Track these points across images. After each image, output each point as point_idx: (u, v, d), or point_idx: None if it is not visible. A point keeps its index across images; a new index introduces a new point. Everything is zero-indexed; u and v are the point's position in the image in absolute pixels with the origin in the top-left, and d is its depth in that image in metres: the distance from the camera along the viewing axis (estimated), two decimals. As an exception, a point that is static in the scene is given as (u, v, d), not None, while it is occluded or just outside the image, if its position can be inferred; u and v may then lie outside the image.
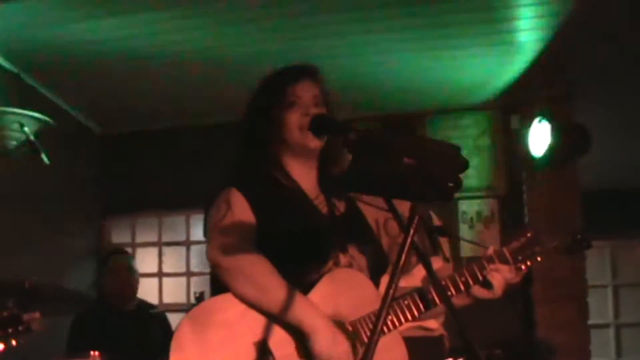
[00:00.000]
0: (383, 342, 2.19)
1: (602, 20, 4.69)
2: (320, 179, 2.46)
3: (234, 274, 2.17)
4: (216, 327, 2.13)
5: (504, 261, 2.43)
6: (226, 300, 2.17)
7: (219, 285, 2.23)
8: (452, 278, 2.38)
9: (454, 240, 3.85)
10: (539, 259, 2.50)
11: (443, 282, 2.36)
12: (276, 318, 2.15)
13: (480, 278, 2.39)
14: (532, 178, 5.81)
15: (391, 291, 1.46)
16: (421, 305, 2.32)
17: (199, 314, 2.16)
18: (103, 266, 5.23)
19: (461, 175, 1.60)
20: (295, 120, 2.35)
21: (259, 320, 2.16)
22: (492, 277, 2.39)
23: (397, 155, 1.54)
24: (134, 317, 5.00)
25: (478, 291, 2.41)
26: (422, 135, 3.72)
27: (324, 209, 2.42)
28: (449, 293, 2.37)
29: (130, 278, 5.14)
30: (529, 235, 2.49)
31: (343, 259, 2.33)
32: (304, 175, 2.43)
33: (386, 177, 1.58)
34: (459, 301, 3.36)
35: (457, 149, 1.62)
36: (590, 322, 5.79)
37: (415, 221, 1.52)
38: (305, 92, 2.40)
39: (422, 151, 1.58)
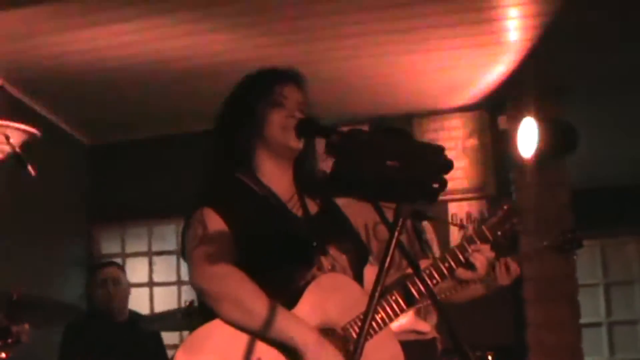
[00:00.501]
0: (376, 340, 2.20)
1: (587, 18, 4.71)
2: (295, 179, 2.45)
3: (219, 299, 2.16)
4: (209, 353, 2.12)
5: (484, 239, 2.43)
6: (216, 326, 2.15)
7: (206, 308, 2.22)
8: (435, 265, 2.38)
9: (434, 223, 3.83)
10: (518, 230, 2.49)
11: (427, 271, 2.36)
12: (265, 338, 2.14)
13: (463, 260, 2.38)
14: (521, 178, 5.81)
15: (376, 294, 1.45)
16: (408, 298, 2.31)
17: (191, 343, 2.15)
18: (92, 278, 5.18)
19: (446, 176, 1.59)
20: (279, 120, 2.34)
21: (250, 342, 2.14)
22: (474, 257, 2.39)
23: (381, 157, 1.54)
24: (125, 328, 4.96)
25: (462, 273, 2.41)
26: (405, 137, 3.70)
27: (298, 211, 2.40)
28: (434, 280, 2.36)
29: (120, 290, 5.10)
30: (505, 208, 2.48)
31: (325, 261, 2.32)
32: (277, 176, 2.41)
33: (370, 179, 1.57)
34: (454, 295, 3.38)
35: (441, 149, 1.62)
36: (582, 321, 5.79)
37: (400, 222, 1.52)
38: (292, 94, 2.39)
39: (406, 152, 1.57)
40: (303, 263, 2.28)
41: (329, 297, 2.25)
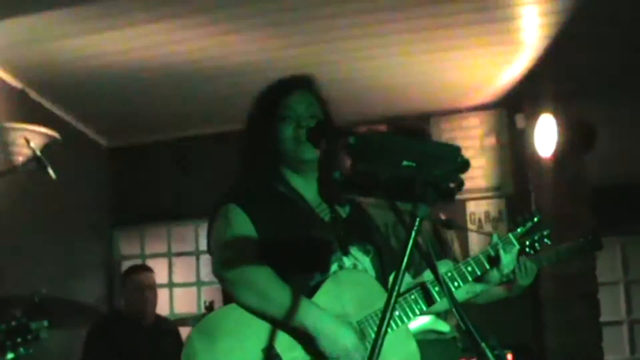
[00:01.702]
0: (393, 337, 2.20)
1: (604, 15, 4.69)
2: (321, 187, 2.48)
3: (236, 284, 2.20)
4: (224, 336, 2.16)
5: (510, 245, 2.45)
6: (231, 310, 2.20)
7: (228, 297, 2.27)
8: (458, 268, 2.40)
9: (460, 232, 3.84)
10: (547, 241, 2.51)
11: (449, 274, 2.40)
12: (281, 323, 2.17)
13: (488, 267, 2.41)
14: (539, 176, 5.79)
15: (395, 290, 1.46)
16: (427, 299, 2.35)
17: (206, 325, 2.20)
18: (127, 280, 5.19)
19: (463, 176, 1.60)
20: (289, 133, 2.38)
21: (265, 327, 2.17)
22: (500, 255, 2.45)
23: (397, 158, 1.55)
24: (150, 332, 4.99)
25: (486, 275, 2.47)
26: (423, 136, 3.71)
27: (326, 216, 2.44)
28: (456, 284, 2.39)
29: (155, 295, 5.15)
30: (535, 220, 2.49)
31: (347, 262, 2.36)
32: (304, 186, 2.45)
33: (387, 179, 1.58)
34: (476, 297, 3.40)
35: (457, 149, 1.63)
36: (602, 319, 5.76)
37: (417, 223, 1.53)
38: (299, 103, 2.42)
39: (422, 153, 1.58)
40: (322, 262, 2.31)
41: (346, 291, 2.28)
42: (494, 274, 2.49)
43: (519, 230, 2.49)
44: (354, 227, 2.47)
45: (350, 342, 2.17)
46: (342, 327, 2.17)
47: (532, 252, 2.59)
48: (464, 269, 2.44)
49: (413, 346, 2.36)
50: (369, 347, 2.19)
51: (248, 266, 2.22)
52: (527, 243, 2.49)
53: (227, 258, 2.26)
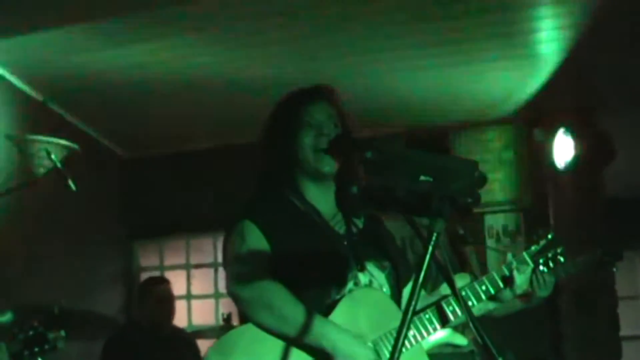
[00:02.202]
0: (407, 356, 2.20)
1: (622, 29, 4.67)
2: (338, 198, 2.46)
3: (252, 305, 2.20)
4: (239, 355, 2.15)
5: (524, 264, 2.45)
6: (247, 329, 2.20)
7: (243, 315, 2.27)
8: (472, 287, 2.39)
9: (477, 247, 3.84)
10: (561, 259, 2.51)
11: (464, 293, 2.39)
12: (297, 343, 2.17)
13: (502, 286, 2.40)
14: (558, 190, 5.77)
15: (411, 308, 1.46)
16: (442, 318, 2.35)
17: (222, 344, 2.19)
18: (146, 292, 5.22)
19: (480, 191, 1.61)
20: (309, 141, 2.37)
21: (280, 346, 2.17)
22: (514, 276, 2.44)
23: (414, 172, 1.56)
24: (167, 343, 5.01)
25: (500, 294, 2.46)
26: (443, 149, 3.73)
27: (341, 229, 2.42)
28: (470, 303, 2.39)
29: (174, 307, 5.18)
30: (549, 237, 2.50)
31: (362, 278, 2.34)
32: (320, 196, 2.43)
33: (404, 194, 1.59)
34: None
35: (475, 164, 1.63)
36: (622, 334, 5.72)
37: (434, 237, 1.53)
38: (320, 113, 2.41)
39: (439, 167, 1.59)
40: (338, 278, 2.30)
41: (362, 310, 2.27)
42: (507, 293, 2.49)
43: (533, 248, 2.49)
44: (369, 241, 2.46)
45: (367, 353, 2.17)
46: (360, 347, 2.17)
47: (546, 269, 2.59)
48: (478, 288, 2.43)
49: None
50: None
51: (263, 286, 2.21)
52: (541, 261, 2.50)
53: (241, 276, 2.26)
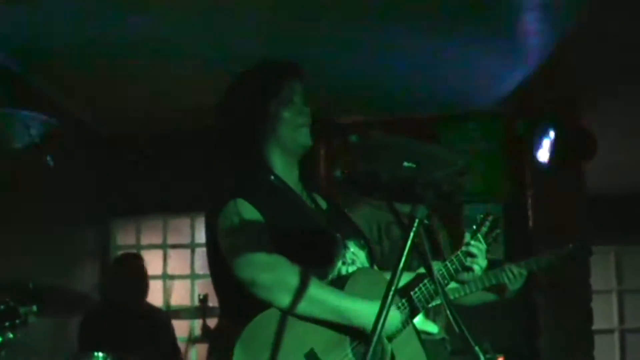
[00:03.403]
0: (400, 338, 2.24)
1: (607, 24, 4.69)
2: (301, 175, 2.45)
3: (274, 290, 2.13)
4: (266, 347, 2.09)
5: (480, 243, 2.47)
6: (269, 316, 2.13)
7: (235, 300, 2.22)
8: (446, 267, 2.41)
9: (447, 223, 3.88)
10: (498, 231, 2.55)
11: (439, 273, 2.38)
12: (323, 323, 2.14)
13: (466, 264, 2.42)
14: (537, 183, 5.80)
15: (391, 293, 1.46)
16: (422, 301, 2.34)
17: (248, 337, 2.10)
18: (117, 268, 5.21)
19: (462, 179, 1.61)
20: (291, 117, 2.34)
21: (306, 329, 2.14)
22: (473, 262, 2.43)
23: (398, 159, 1.56)
24: (141, 320, 5.00)
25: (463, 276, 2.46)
26: (424, 140, 3.74)
27: (312, 205, 2.42)
28: (445, 281, 2.40)
29: (146, 282, 5.16)
30: (490, 218, 2.54)
31: (347, 256, 2.34)
32: (287, 172, 2.40)
33: (387, 180, 1.59)
34: (464, 298, 3.47)
35: (458, 153, 1.64)
36: (594, 327, 5.78)
37: (416, 224, 1.53)
38: (299, 89, 2.40)
39: (423, 154, 1.59)
40: (331, 255, 2.29)
41: (364, 291, 2.24)
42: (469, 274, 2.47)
43: (483, 229, 2.52)
44: (340, 220, 2.46)
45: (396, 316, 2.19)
46: (391, 311, 2.14)
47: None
48: (450, 268, 2.42)
49: (418, 347, 2.36)
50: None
51: (281, 267, 2.15)
52: (489, 241, 2.53)
53: (253, 260, 2.17)
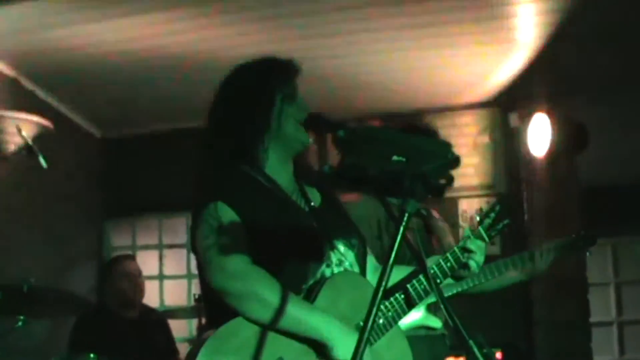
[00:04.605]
0: (387, 337, 2.23)
1: (600, 16, 4.68)
2: (295, 172, 2.43)
3: (244, 299, 2.10)
4: (232, 353, 2.07)
5: (481, 239, 2.44)
6: (237, 325, 2.11)
7: (216, 306, 2.18)
8: (439, 265, 2.38)
9: (445, 217, 3.87)
10: (506, 222, 2.51)
11: (432, 270, 2.36)
12: (292, 334, 2.12)
13: (463, 260, 2.40)
14: (532, 175, 5.80)
15: (381, 290, 1.45)
16: (414, 297, 2.32)
17: (214, 344, 2.08)
18: (112, 270, 5.18)
19: (457, 173, 1.60)
20: (294, 114, 2.33)
21: (273, 339, 2.11)
22: (470, 258, 2.41)
23: (387, 152, 1.54)
24: (138, 322, 4.97)
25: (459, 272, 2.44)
26: (429, 133, 3.75)
27: (301, 204, 2.38)
28: (438, 280, 2.37)
29: (142, 283, 5.13)
30: (496, 208, 2.50)
31: (334, 257, 2.30)
32: (281, 170, 2.38)
33: (376, 174, 1.58)
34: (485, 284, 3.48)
35: (448, 145, 1.62)
36: (592, 320, 5.78)
37: (406, 218, 1.52)
38: (297, 87, 2.39)
39: (412, 148, 1.58)
40: (314, 258, 2.26)
41: (343, 295, 2.23)
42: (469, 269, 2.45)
43: (486, 222, 2.48)
44: (333, 218, 2.42)
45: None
46: (354, 335, 2.10)
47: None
48: (444, 265, 2.40)
49: (405, 346, 2.35)
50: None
51: (252, 277, 2.13)
52: (492, 234, 2.50)
53: (225, 269, 2.14)
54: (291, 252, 2.22)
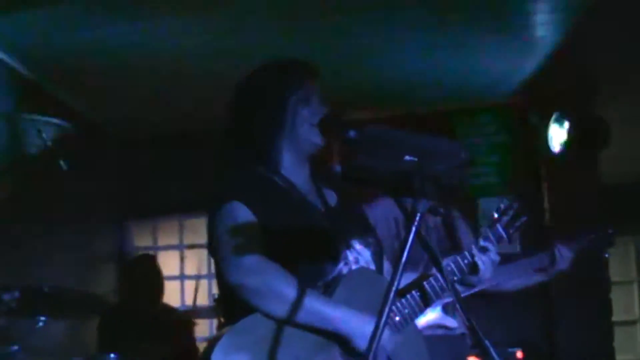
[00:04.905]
0: (404, 336, 2.23)
1: (620, 11, 4.64)
2: (315, 173, 2.45)
3: (261, 294, 2.12)
4: (248, 349, 2.09)
5: (499, 238, 2.44)
6: (252, 321, 2.12)
7: (233, 304, 2.19)
8: (456, 261, 2.38)
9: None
10: (524, 218, 2.50)
11: (449, 267, 2.36)
12: (309, 328, 2.13)
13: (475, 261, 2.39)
14: (552, 174, 5.77)
15: (393, 289, 1.45)
16: (430, 295, 2.31)
17: (230, 340, 2.10)
18: (132, 270, 5.21)
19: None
20: (308, 116, 2.34)
21: (288, 335, 2.12)
22: (480, 259, 2.39)
23: (398, 152, 1.54)
24: (159, 321, 5.01)
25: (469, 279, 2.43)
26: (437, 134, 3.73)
27: (317, 204, 2.40)
28: (455, 277, 2.37)
29: (162, 283, 5.17)
30: (515, 206, 2.49)
31: (350, 256, 2.31)
32: (297, 171, 2.40)
33: (388, 174, 1.58)
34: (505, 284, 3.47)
35: (459, 145, 1.62)
36: (615, 319, 5.73)
37: (417, 218, 1.52)
38: (317, 89, 2.40)
39: (424, 148, 1.58)
40: (330, 257, 2.27)
41: (359, 291, 2.24)
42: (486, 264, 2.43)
43: (504, 219, 2.48)
44: (347, 217, 2.44)
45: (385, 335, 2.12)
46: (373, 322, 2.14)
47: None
48: (461, 262, 2.39)
49: (422, 344, 2.35)
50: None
51: (270, 273, 2.14)
52: (511, 231, 2.49)
53: (241, 265, 2.16)
54: (307, 251, 2.25)
